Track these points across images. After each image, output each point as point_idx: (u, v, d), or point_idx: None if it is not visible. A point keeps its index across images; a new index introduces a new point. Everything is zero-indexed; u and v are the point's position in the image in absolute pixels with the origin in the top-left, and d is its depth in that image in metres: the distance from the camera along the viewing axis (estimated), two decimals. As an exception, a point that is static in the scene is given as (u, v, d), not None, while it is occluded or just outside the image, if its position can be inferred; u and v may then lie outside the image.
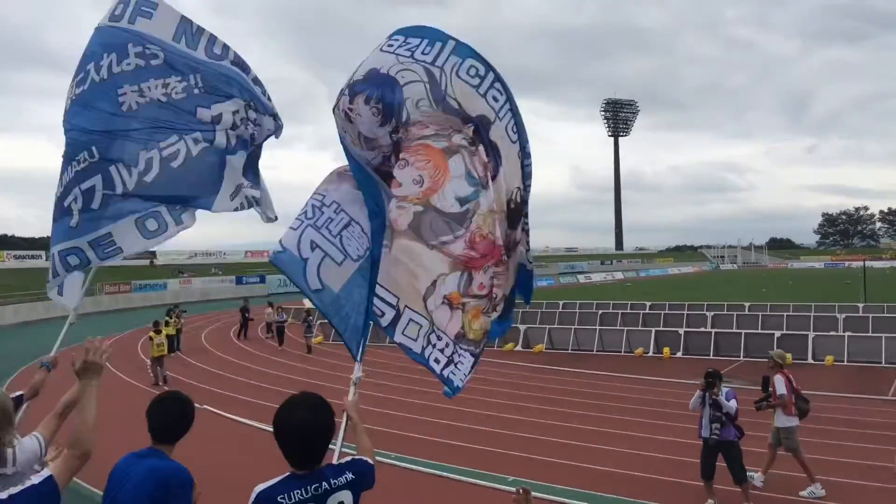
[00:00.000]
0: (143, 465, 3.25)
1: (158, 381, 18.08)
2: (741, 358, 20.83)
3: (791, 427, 9.20)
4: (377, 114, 3.73)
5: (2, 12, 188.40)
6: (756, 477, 9.24)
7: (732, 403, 8.58)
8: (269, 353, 24.65)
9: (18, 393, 4.35)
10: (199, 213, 4.78)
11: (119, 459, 3.41)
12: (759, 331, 23.57)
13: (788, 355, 20.08)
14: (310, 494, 2.69)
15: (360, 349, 3.89)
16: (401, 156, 3.79)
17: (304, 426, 2.74)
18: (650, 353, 22.33)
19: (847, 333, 21.80)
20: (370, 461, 3.06)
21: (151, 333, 18.93)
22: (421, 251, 3.78)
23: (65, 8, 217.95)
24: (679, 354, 21.87)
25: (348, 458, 3.00)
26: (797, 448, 9.15)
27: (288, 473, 2.76)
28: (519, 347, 23.97)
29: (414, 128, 3.76)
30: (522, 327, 25.39)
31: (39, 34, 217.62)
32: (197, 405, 13.26)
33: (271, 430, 2.85)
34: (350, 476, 2.85)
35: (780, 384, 9.24)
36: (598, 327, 25.39)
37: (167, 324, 23.15)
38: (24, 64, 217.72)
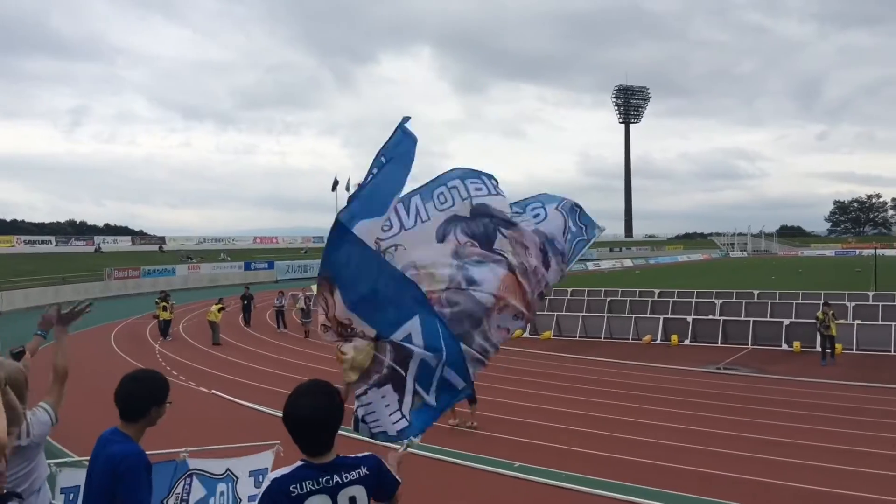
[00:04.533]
0: (104, 454, 3.28)
1: (218, 341, 22.87)
2: (749, 346, 20.79)
3: None
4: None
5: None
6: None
7: None
8: (270, 337, 24.86)
9: (20, 348, 4.41)
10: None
11: (99, 437, 3.44)
12: (768, 319, 23.51)
13: (797, 343, 20.11)
14: (320, 486, 2.70)
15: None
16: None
17: (309, 412, 2.75)
18: (658, 341, 22.31)
19: (857, 322, 21.73)
20: (391, 467, 3.01)
21: (213, 306, 23.98)
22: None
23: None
24: (687, 342, 21.84)
25: (365, 453, 3.00)
26: None
27: (301, 462, 2.76)
28: (526, 334, 23.93)
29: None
30: (530, 314, 25.37)
31: (44, 20, 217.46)
32: (204, 389, 13.27)
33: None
34: (364, 472, 2.83)
35: None
36: (606, 315, 25.37)
37: (165, 309, 23.83)
38: (29, 50, 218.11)
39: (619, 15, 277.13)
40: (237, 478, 5.52)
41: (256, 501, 2.72)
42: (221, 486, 5.36)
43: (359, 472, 2.81)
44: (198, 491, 5.17)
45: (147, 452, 3.41)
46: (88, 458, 3.47)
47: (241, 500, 5.50)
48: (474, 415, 11.80)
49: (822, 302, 22.43)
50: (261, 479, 5.65)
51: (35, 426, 3.48)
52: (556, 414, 12.85)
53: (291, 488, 2.66)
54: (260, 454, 5.84)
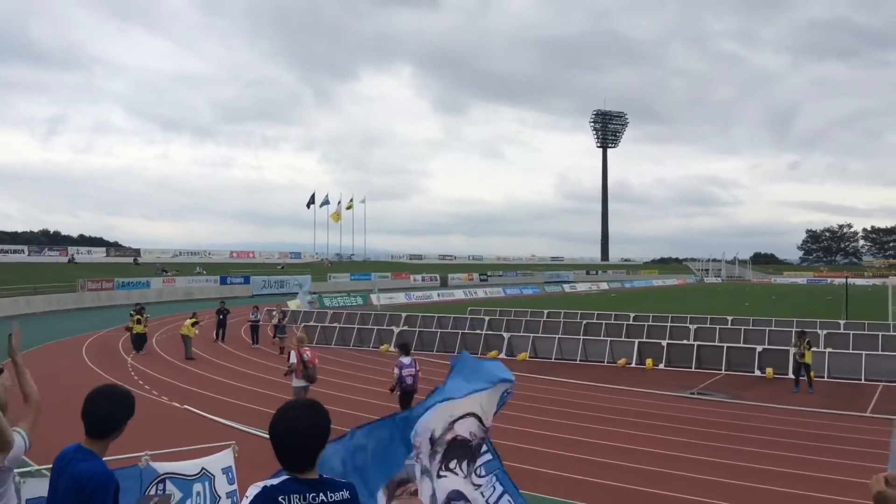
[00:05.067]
0: (68, 473, 3.22)
1: (191, 356, 22.77)
2: (722, 371, 20.93)
3: (298, 387, 12.94)
4: None
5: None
6: None
7: (291, 354, 13.07)
8: (244, 352, 24.60)
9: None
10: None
11: (59, 453, 3.37)
12: (741, 345, 23.70)
13: (770, 370, 20.29)
14: (307, 501, 2.69)
15: None
16: None
17: (300, 427, 2.75)
18: (633, 364, 22.39)
19: (828, 350, 21.96)
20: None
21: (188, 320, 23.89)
22: None
23: (49, 1, 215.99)
24: (661, 366, 21.95)
25: (345, 479, 2.98)
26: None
27: (288, 476, 2.74)
28: (503, 355, 23.96)
29: None
30: (507, 335, 25.42)
31: (23, 27, 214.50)
32: (177, 404, 13.10)
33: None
34: (346, 495, 2.81)
35: (293, 356, 13.00)
36: (581, 337, 25.45)
37: (139, 322, 23.66)
38: (6, 57, 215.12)
39: (598, 40, 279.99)
40: (213, 476, 5.52)
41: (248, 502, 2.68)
42: (197, 486, 5.32)
43: (342, 495, 2.80)
44: (172, 494, 5.11)
45: (107, 458, 3.36)
46: (48, 466, 3.40)
47: (220, 497, 5.49)
48: None
49: (794, 330, 22.73)
50: (231, 477, 5.74)
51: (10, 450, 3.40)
52: (529, 436, 12.82)
53: (280, 499, 2.65)
54: (221, 453, 5.84)
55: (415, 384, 12.60)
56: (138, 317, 24.11)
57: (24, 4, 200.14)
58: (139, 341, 23.95)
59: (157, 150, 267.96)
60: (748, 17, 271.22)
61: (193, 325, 23.39)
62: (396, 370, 12.63)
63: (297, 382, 12.95)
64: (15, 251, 68.17)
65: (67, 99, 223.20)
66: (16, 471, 4.01)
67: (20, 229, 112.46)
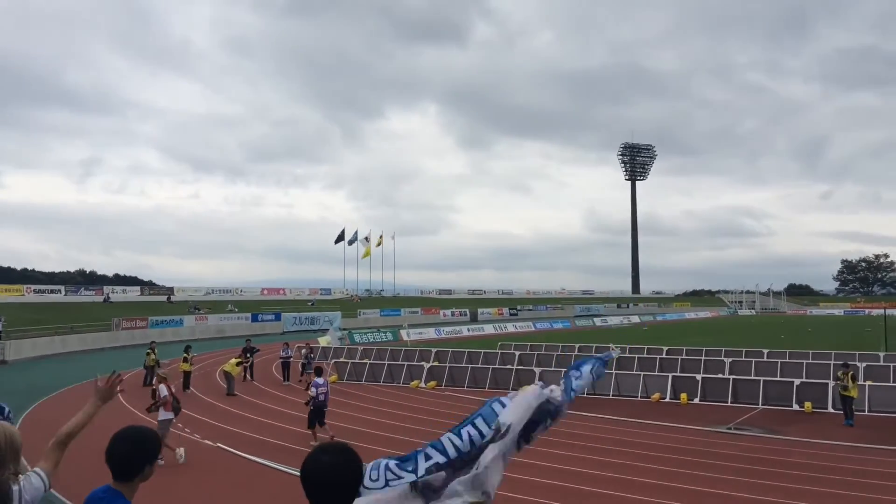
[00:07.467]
0: None
1: (233, 392, 23.22)
2: (759, 406, 20.50)
3: (166, 420, 13.63)
4: None
5: (24, 50, 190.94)
6: (179, 452, 13.31)
7: (162, 388, 13.88)
8: (277, 389, 24.63)
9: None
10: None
11: (88, 495, 3.34)
12: (778, 378, 23.23)
13: (808, 404, 19.84)
14: None
15: None
16: None
17: (326, 471, 2.65)
18: (667, 399, 22.04)
19: (868, 383, 21.41)
20: None
21: (234, 358, 24.69)
22: None
23: (83, 47, 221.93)
24: (696, 400, 21.56)
25: None
26: (165, 435, 13.17)
27: None
28: (534, 390, 23.73)
29: None
30: (538, 370, 25.20)
31: (59, 73, 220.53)
32: (209, 442, 13.18)
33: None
34: None
35: (164, 391, 13.74)
36: (614, 371, 25.14)
37: (185, 360, 23.99)
38: (44, 102, 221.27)
39: (621, 73, 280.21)
40: None
41: None
42: None
43: None
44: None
45: None
46: None
47: None
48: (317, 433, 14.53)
49: (832, 362, 22.21)
50: None
51: (27, 492, 3.39)
52: (562, 473, 12.65)
53: None
54: None
55: (325, 400, 15.28)
56: (185, 355, 24.46)
57: (60, 50, 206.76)
58: (185, 380, 24.17)
59: (189, 190, 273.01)
60: (774, 49, 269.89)
61: (238, 364, 24.10)
62: (313, 389, 15.11)
63: (165, 415, 13.73)
64: (52, 291, 69.50)
65: (102, 142, 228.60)
66: None
67: (57, 269, 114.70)
